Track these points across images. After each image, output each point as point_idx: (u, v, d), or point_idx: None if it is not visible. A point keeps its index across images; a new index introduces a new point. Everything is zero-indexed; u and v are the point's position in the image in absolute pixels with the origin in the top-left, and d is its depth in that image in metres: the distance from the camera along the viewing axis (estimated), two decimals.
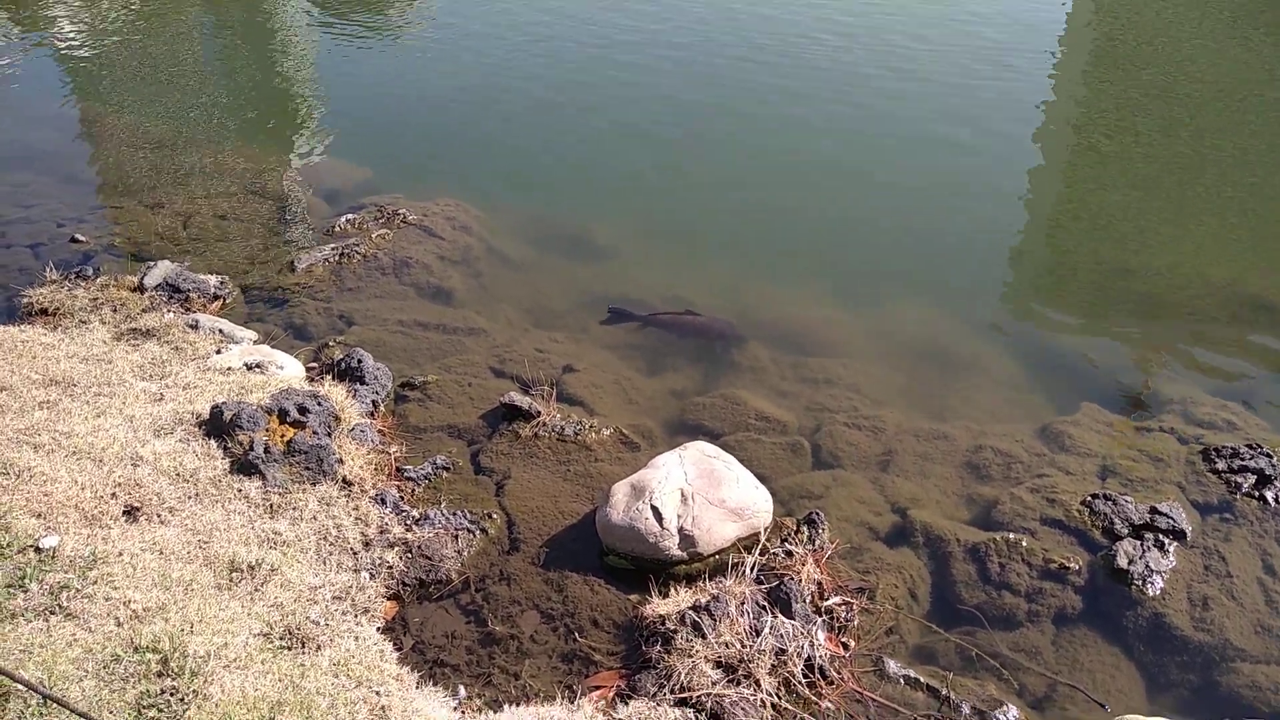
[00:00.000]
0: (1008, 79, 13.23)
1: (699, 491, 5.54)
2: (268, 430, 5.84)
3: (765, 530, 5.62)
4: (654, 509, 5.41)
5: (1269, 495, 5.92)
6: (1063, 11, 16.23)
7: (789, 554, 5.49)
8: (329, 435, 6.03)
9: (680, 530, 5.40)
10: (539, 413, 6.58)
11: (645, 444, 6.49)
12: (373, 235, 8.98)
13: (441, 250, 8.89)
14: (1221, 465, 6.15)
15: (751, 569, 5.18)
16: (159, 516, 5.24)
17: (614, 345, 7.80)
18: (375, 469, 6.07)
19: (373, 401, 6.67)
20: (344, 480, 5.87)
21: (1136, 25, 15.74)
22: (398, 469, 6.14)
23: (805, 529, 5.67)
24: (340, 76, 13.57)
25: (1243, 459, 6.14)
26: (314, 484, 5.75)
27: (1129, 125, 11.93)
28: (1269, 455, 6.17)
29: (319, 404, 6.06)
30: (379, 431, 6.46)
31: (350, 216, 9.34)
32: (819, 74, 13.22)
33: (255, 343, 7.32)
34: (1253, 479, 6.02)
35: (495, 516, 5.82)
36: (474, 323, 7.87)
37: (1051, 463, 6.38)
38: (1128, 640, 5.27)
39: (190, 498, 5.44)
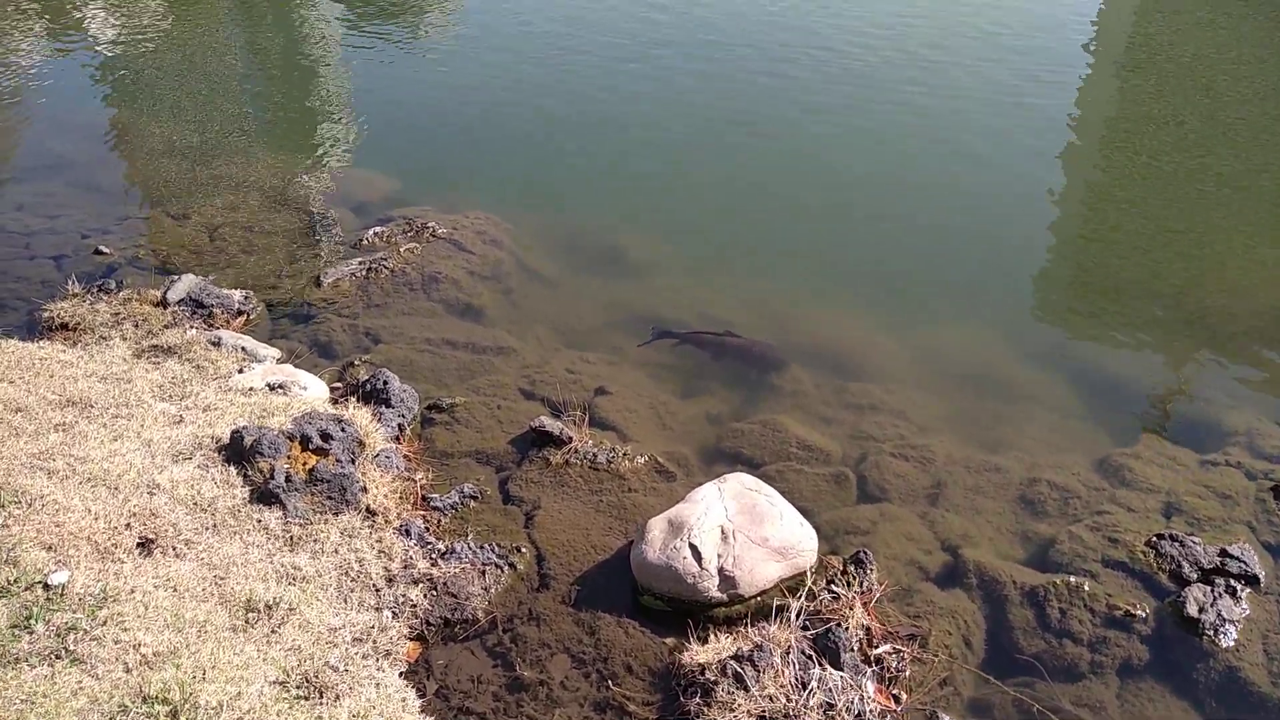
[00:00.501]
0: (1034, 92, 12.84)
1: (740, 529, 5.25)
2: (289, 457, 5.61)
3: (810, 570, 5.32)
4: (692, 547, 5.12)
5: None
6: (1090, 24, 15.73)
7: (835, 596, 5.18)
8: (352, 462, 5.79)
9: (720, 571, 5.10)
10: (570, 439, 6.31)
11: (681, 473, 6.20)
12: (401, 249, 8.76)
13: (471, 265, 8.65)
14: None
15: (797, 616, 4.87)
16: (174, 549, 5.02)
17: (647, 366, 7.52)
18: (400, 498, 5.83)
19: (398, 425, 6.43)
20: (368, 510, 5.63)
21: (1170, 38, 15.28)
22: (423, 498, 5.89)
23: (852, 569, 5.35)
24: (370, 86, 13.40)
25: None
26: (336, 514, 5.51)
27: (1163, 141, 11.51)
28: None
29: (343, 430, 5.82)
30: (405, 457, 6.22)
31: (378, 229, 9.13)
32: (845, 86, 12.88)
33: (279, 361, 7.11)
34: None
35: (524, 550, 5.55)
36: (504, 341, 7.62)
37: (1112, 498, 6.02)
38: (1199, 695, 4.91)
39: (208, 529, 5.21)
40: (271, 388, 6.57)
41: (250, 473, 5.56)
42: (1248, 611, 5.16)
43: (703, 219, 9.76)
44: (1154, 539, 5.57)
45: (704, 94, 12.61)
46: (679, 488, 6.03)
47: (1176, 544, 5.48)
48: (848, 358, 7.66)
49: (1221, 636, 5.03)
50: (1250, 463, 6.26)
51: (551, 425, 6.34)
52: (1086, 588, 5.29)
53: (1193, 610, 5.11)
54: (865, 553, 5.42)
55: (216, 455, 5.73)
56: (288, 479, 5.45)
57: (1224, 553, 5.41)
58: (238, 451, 5.67)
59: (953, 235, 9.51)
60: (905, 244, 9.35)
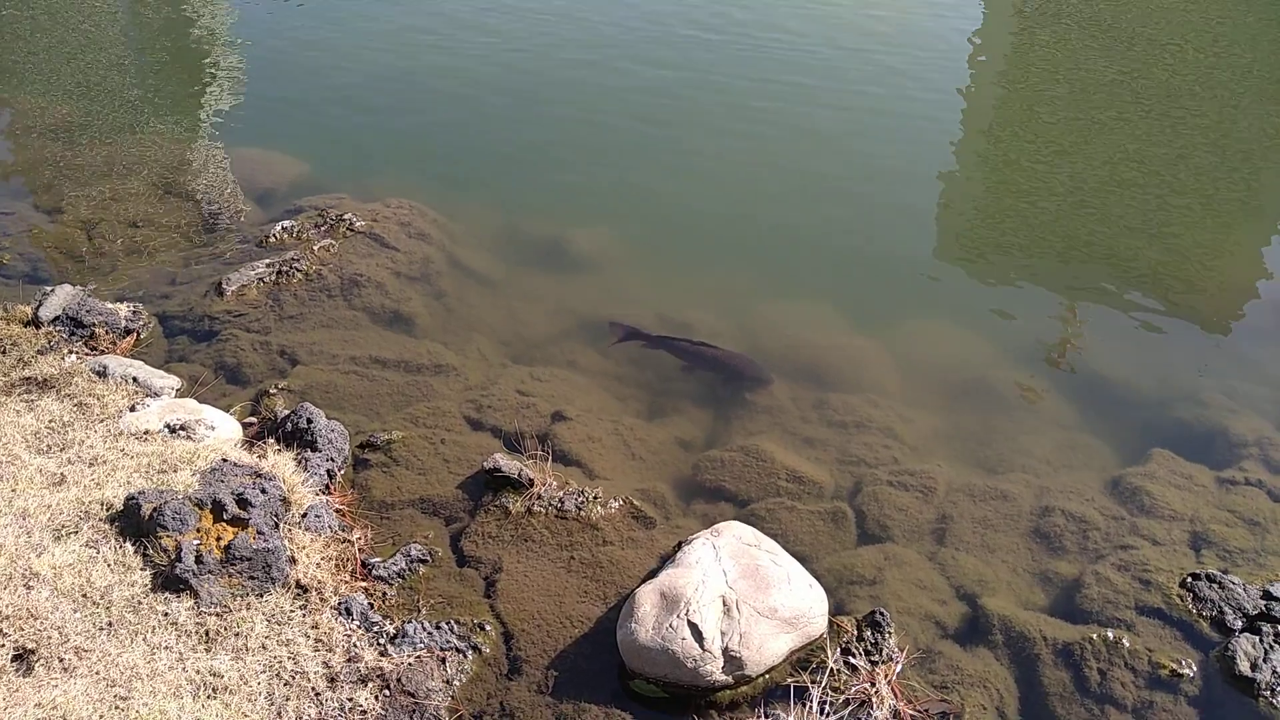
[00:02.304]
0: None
1: (744, 598, 4.52)
2: (199, 530, 4.65)
3: (824, 638, 4.64)
4: (692, 626, 4.38)
5: None
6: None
7: (853, 668, 4.52)
8: (277, 527, 4.86)
9: (725, 651, 4.38)
10: (531, 481, 5.47)
11: (661, 518, 5.44)
12: (315, 247, 7.71)
13: (396, 264, 7.66)
14: None
15: (820, 708, 4.19)
16: (61, 661, 4.05)
17: (606, 382, 6.72)
18: (337, 566, 4.93)
19: (327, 472, 5.49)
20: (298, 586, 4.73)
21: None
22: (364, 564, 5.00)
23: (868, 633, 4.69)
24: (272, 51, 12.07)
25: None
26: (261, 595, 4.59)
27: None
28: None
29: (263, 491, 4.87)
30: (337, 511, 5.30)
31: (287, 224, 8.03)
32: (795, 75, 12.13)
33: (178, 393, 6.07)
34: None
35: (488, 628, 4.73)
36: (441, 358, 6.69)
37: (1133, 529, 5.49)
38: None
39: (102, 630, 4.25)
40: (172, 430, 5.55)
41: (152, 551, 4.58)
42: None
43: (651, 209, 8.93)
44: (1189, 579, 5.04)
45: (643, 76, 11.67)
46: (660, 536, 5.27)
47: (1215, 585, 4.97)
48: (823, 365, 6.99)
49: None
50: (1270, 480, 5.80)
51: (508, 466, 5.49)
52: (1126, 643, 4.74)
53: (1245, 667, 4.60)
54: (882, 613, 4.76)
55: (108, 528, 4.73)
56: (198, 559, 4.51)
57: (1267, 594, 4.92)
58: (135, 524, 4.68)
59: (913, 222, 8.91)
60: (866, 233, 8.69)
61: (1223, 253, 8.65)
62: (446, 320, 7.18)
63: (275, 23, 12.81)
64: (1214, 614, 4.87)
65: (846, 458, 6.08)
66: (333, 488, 5.49)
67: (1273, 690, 4.54)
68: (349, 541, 5.11)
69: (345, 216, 8.09)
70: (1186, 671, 4.64)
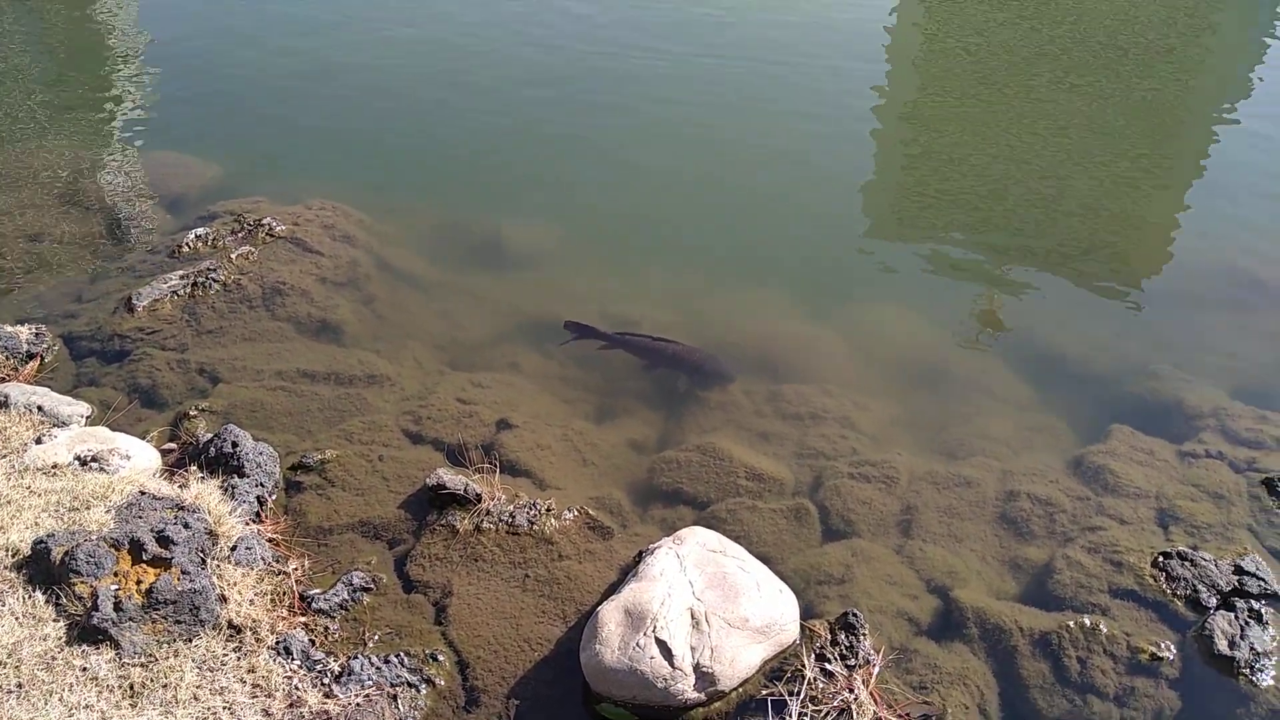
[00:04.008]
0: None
1: (713, 609, 4.28)
2: (117, 574, 4.24)
3: (797, 645, 4.42)
4: (661, 643, 4.12)
5: None
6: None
7: (829, 675, 4.31)
8: (204, 564, 4.47)
9: (697, 667, 4.13)
10: (478, 496, 5.16)
11: (618, 527, 5.16)
12: (233, 255, 7.24)
13: (322, 270, 7.25)
14: None
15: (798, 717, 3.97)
16: None
17: (552, 384, 6.42)
18: (272, 601, 4.56)
19: (257, 499, 5.11)
20: (230, 627, 4.35)
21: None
22: (302, 597, 4.65)
23: (842, 636, 4.49)
24: (176, 42, 11.42)
25: None
26: (189, 640, 4.21)
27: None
28: None
29: (186, 525, 4.48)
30: (270, 541, 4.92)
31: (201, 231, 7.55)
32: (725, 64, 11.90)
33: (89, 421, 5.62)
34: None
35: (442, 657, 4.41)
36: (374, 367, 6.32)
37: (1100, 509, 5.38)
38: None
39: (11, 693, 3.84)
40: (83, 462, 5.11)
41: (65, 600, 4.17)
42: (1278, 638, 4.59)
43: (589, 203, 8.62)
44: (1160, 558, 4.94)
45: (572, 70, 11.31)
46: (619, 546, 5.00)
47: (1187, 563, 4.87)
48: (772, 352, 6.80)
49: (1260, 674, 4.44)
50: (1231, 451, 5.74)
51: (453, 481, 5.17)
52: (1103, 628, 4.61)
53: (1223, 646, 4.50)
54: (855, 614, 4.55)
55: (15, 576, 4.30)
56: (118, 606, 4.11)
57: (1238, 569, 4.84)
58: (45, 570, 4.26)
59: (853, 209, 8.75)
60: (807, 223, 8.49)
61: (1159, 220, 8.66)
62: (378, 327, 6.80)
63: (184, 18, 12.16)
64: (1188, 593, 4.77)
65: (805, 451, 5.87)
66: (264, 515, 5.11)
67: (1251, 668, 4.46)
68: (285, 573, 4.74)
69: (264, 221, 7.63)
70: (1166, 654, 4.53)
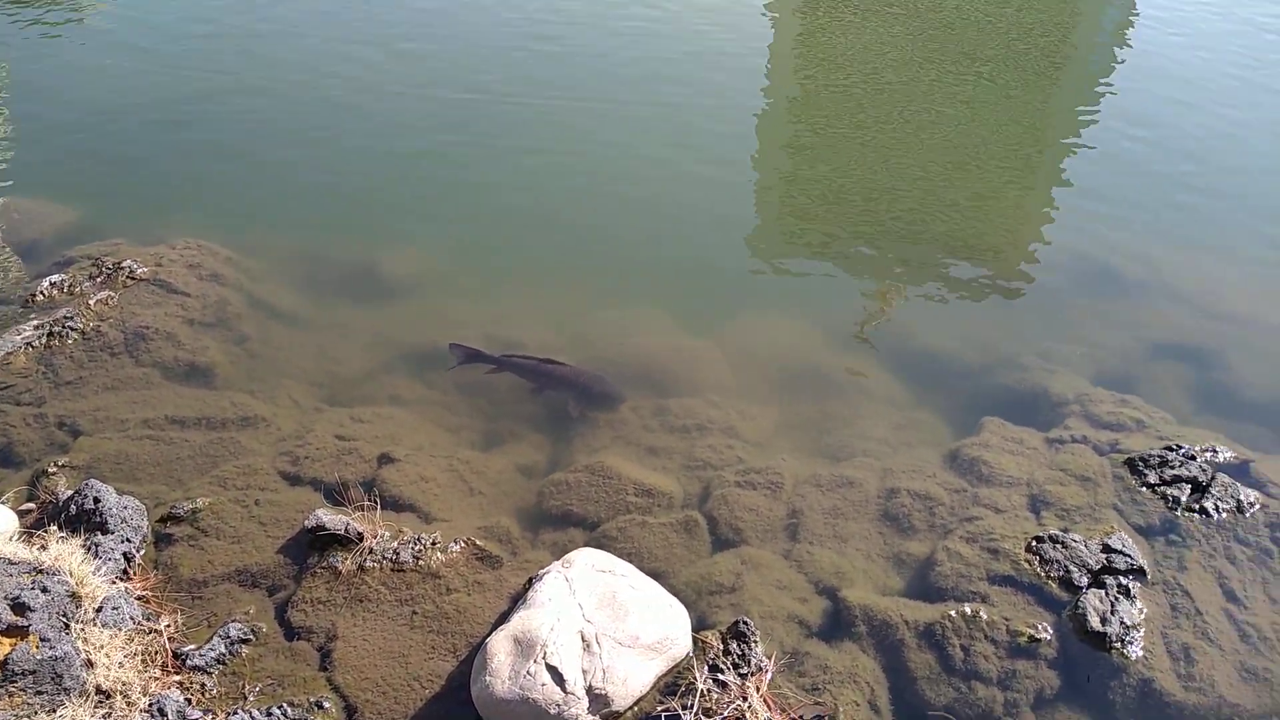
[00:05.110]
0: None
1: (604, 630, 4.25)
2: None
3: (690, 658, 4.43)
4: (552, 669, 4.07)
5: (1209, 506, 5.35)
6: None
7: (723, 685, 4.33)
8: (66, 628, 4.24)
9: (590, 690, 4.10)
10: (360, 535, 5.02)
11: (508, 555, 5.10)
12: (91, 301, 6.92)
13: (188, 311, 6.98)
14: (1153, 478, 5.54)
15: None
16: None
17: (435, 414, 6.32)
18: (143, 662, 4.35)
19: (124, 555, 4.87)
20: (99, 691, 4.13)
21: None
22: (176, 655, 4.44)
23: (735, 645, 4.51)
24: (21, 80, 10.88)
25: (1171, 466, 5.56)
26: (53, 710, 3.98)
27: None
28: (1192, 457, 5.63)
29: (44, 590, 4.24)
30: (140, 599, 4.70)
31: (56, 278, 7.20)
32: (596, 79, 11.96)
33: None
34: (1188, 489, 5.45)
35: (328, 704, 4.27)
36: (248, 409, 6.12)
37: (976, 499, 5.56)
38: (1118, 717, 4.50)
39: None
40: None
41: None
42: (1145, 611, 4.81)
43: (463, 227, 8.51)
44: (1033, 542, 5.13)
45: (439, 95, 11.19)
46: (509, 574, 4.93)
47: (1059, 546, 5.06)
48: (658, 367, 6.83)
49: (1129, 647, 4.64)
50: (1095, 435, 6.01)
51: (333, 521, 5.02)
52: (983, 614, 4.75)
53: (1095, 623, 4.69)
54: (745, 622, 4.59)
55: None
56: None
57: (1107, 548, 5.06)
58: None
59: (730, 221, 8.87)
60: (685, 236, 8.56)
61: (1025, 219, 9.03)
62: (250, 367, 6.58)
63: (31, 52, 11.60)
64: (1061, 574, 4.96)
65: (692, 463, 5.91)
66: (132, 572, 4.87)
67: (1122, 641, 4.65)
68: (156, 631, 4.53)
69: (124, 264, 7.32)
70: (1043, 635, 4.69)
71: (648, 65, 11.60)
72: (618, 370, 6.70)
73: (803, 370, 6.91)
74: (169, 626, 4.58)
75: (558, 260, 8.08)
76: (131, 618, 4.51)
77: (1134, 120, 10.72)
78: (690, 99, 10.77)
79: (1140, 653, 4.63)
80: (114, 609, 4.47)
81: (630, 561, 4.90)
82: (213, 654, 4.47)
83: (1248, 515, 5.36)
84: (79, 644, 4.21)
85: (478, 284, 7.68)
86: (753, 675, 4.39)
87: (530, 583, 4.70)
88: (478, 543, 5.05)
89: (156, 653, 4.43)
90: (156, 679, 4.31)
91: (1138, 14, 14.35)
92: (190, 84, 10.70)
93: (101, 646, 4.29)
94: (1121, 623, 4.70)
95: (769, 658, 4.48)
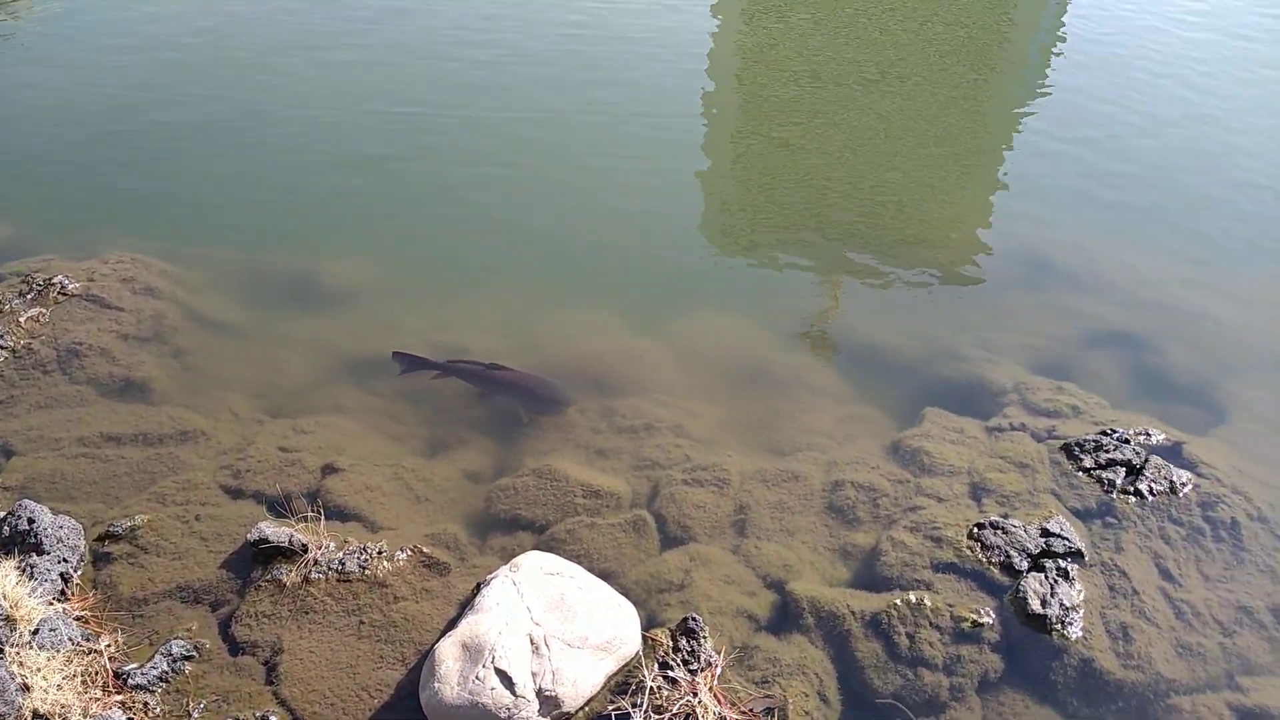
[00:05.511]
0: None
1: (553, 632, 4.25)
2: None
3: (640, 656, 4.44)
4: (501, 673, 4.07)
5: (1143, 488, 5.49)
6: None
7: (673, 682, 4.35)
8: (0, 653, 4.14)
9: (539, 692, 4.09)
10: (304, 546, 4.96)
11: (456, 561, 5.07)
12: (21, 319, 6.76)
13: (123, 326, 6.85)
14: (1088, 462, 5.67)
15: None
16: None
17: (380, 422, 6.27)
18: (84, 683, 4.26)
19: (61, 575, 4.77)
20: (36, 716, 4.04)
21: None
22: (117, 675, 4.35)
23: (684, 641, 4.54)
24: None
25: (1106, 450, 5.70)
26: None
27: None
28: (1126, 440, 5.78)
29: None
30: (78, 619, 4.60)
31: None
32: (538, 84, 11.95)
33: None
34: (1123, 472, 5.59)
35: (274, 718, 4.22)
36: (186, 423, 6.01)
37: (919, 489, 5.64)
38: (1060, 697, 4.61)
39: None
40: None
41: None
42: (1083, 592, 4.92)
43: (406, 233, 8.45)
44: (975, 529, 5.22)
45: (378, 100, 11.11)
46: (457, 581, 4.91)
47: (1000, 532, 5.17)
48: (605, 369, 6.84)
49: (1069, 628, 4.75)
50: (1033, 422, 6.14)
51: (276, 533, 4.96)
52: (928, 602, 4.83)
53: (1036, 606, 4.79)
54: (694, 619, 4.62)
55: None
56: None
57: (1045, 532, 5.17)
58: None
59: (675, 221, 8.91)
60: (631, 236, 8.59)
61: (963, 215, 9.18)
62: (188, 381, 6.47)
63: None
64: (1002, 559, 5.06)
65: (640, 463, 5.93)
66: (70, 593, 4.77)
67: (1062, 623, 4.76)
68: (96, 652, 4.44)
69: (55, 280, 7.15)
70: (986, 620, 4.78)
71: (581, 71, 11.61)
72: (565, 373, 6.70)
73: (749, 367, 6.96)
74: (109, 646, 4.49)
75: (501, 266, 8.06)
76: (70, 639, 4.42)
77: (1066, 119, 10.96)
78: (626, 104, 10.79)
79: (1080, 633, 4.74)
80: (51, 630, 4.37)
81: (579, 563, 4.91)
82: (155, 672, 4.38)
83: (1180, 496, 5.51)
84: (14, 668, 4.12)
85: (421, 291, 7.63)
86: (703, 671, 4.42)
87: (478, 588, 4.68)
88: (425, 550, 5.02)
89: (97, 673, 4.34)
90: (97, 699, 4.22)
91: (1069, 18, 14.67)
92: (117, 98, 10.49)
93: (38, 669, 4.20)
94: (1061, 604, 4.81)
95: (718, 653, 4.52)
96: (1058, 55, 13.03)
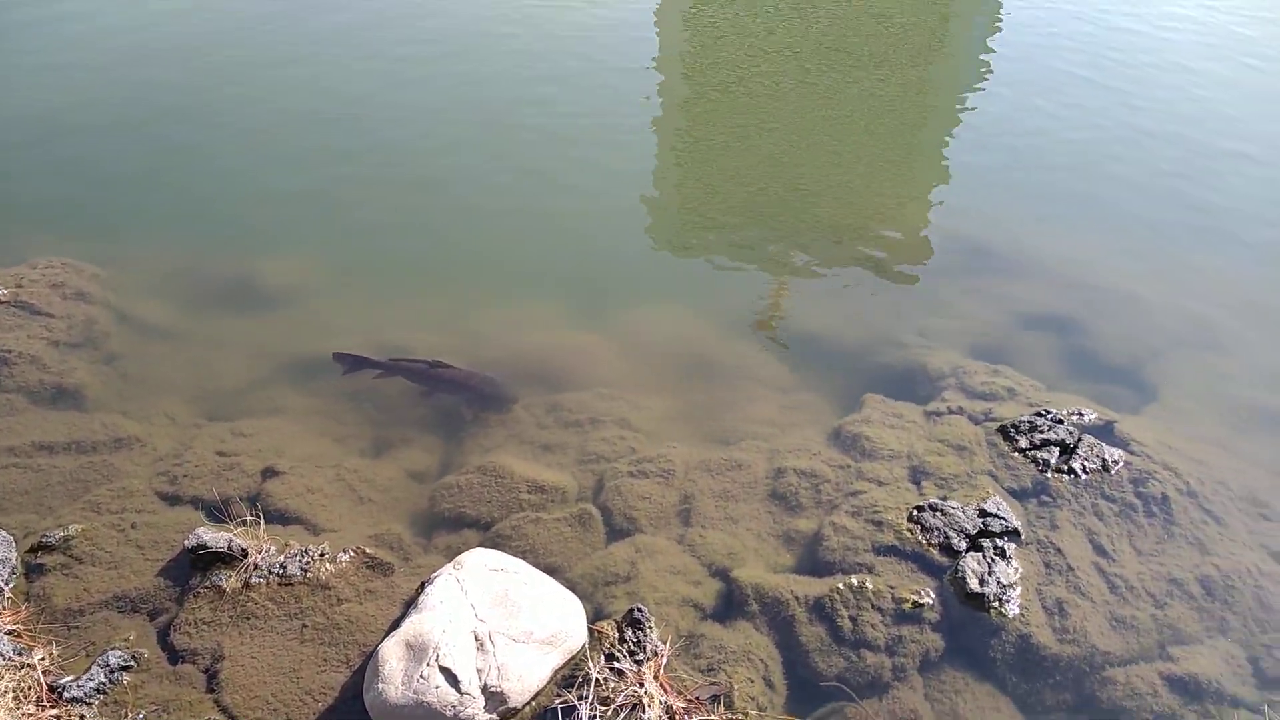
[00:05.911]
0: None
1: (497, 628, 4.25)
2: None
3: (585, 649, 4.45)
4: (445, 671, 4.05)
5: (1076, 466, 5.63)
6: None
7: (619, 673, 4.37)
8: None
9: (485, 689, 4.09)
10: (244, 551, 4.90)
11: (400, 561, 5.04)
12: None
13: (53, 333, 6.69)
14: (1023, 443, 5.80)
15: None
16: None
17: (321, 423, 6.19)
18: (16, 698, 4.17)
19: None
20: None
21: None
22: (51, 688, 4.26)
23: (630, 632, 4.56)
24: None
25: (1040, 431, 5.83)
26: None
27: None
28: (1060, 420, 5.91)
29: None
30: (10, 634, 4.49)
31: None
32: (485, 77, 11.88)
33: None
34: (1056, 452, 5.72)
35: None
36: (121, 430, 5.90)
37: (859, 474, 5.72)
38: (999, 674, 4.71)
39: None
40: None
41: None
42: (1020, 570, 5.04)
43: (342, 231, 8.34)
44: (914, 512, 5.31)
45: (313, 93, 10.96)
46: (401, 581, 4.88)
47: (938, 514, 5.26)
48: (549, 364, 6.83)
49: (1007, 605, 4.85)
50: (969, 405, 6.25)
51: (214, 539, 4.88)
52: (869, 585, 4.91)
53: (974, 585, 4.89)
54: (640, 609, 4.64)
55: None
56: None
57: (983, 512, 5.27)
58: None
59: (621, 214, 8.92)
60: (575, 230, 8.57)
61: (902, 203, 9.30)
62: (122, 386, 6.34)
63: None
64: (941, 540, 5.15)
65: (586, 457, 5.93)
66: (2, 607, 4.65)
67: (1000, 600, 4.86)
68: (30, 666, 4.34)
69: None
70: (927, 600, 4.87)
71: (518, 72, 11.55)
72: (509, 369, 6.67)
73: (692, 359, 7.00)
74: (44, 660, 4.39)
75: (443, 264, 8.00)
76: (1, 654, 4.32)
77: (1002, 112, 11.14)
78: (568, 104, 10.75)
79: (1017, 610, 4.85)
80: None
81: (525, 558, 4.91)
82: (92, 684, 4.30)
83: (1113, 473, 5.65)
84: None
85: (361, 291, 7.55)
86: (649, 661, 4.44)
87: (422, 587, 4.66)
88: (368, 551, 4.98)
89: (30, 688, 4.24)
90: (31, 715, 4.13)
91: (1005, 9, 14.92)
92: (40, 102, 10.22)
93: None
94: (998, 583, 4.92)
95: (665, 642, 4.54)
96: (992, 47, 13.25)
